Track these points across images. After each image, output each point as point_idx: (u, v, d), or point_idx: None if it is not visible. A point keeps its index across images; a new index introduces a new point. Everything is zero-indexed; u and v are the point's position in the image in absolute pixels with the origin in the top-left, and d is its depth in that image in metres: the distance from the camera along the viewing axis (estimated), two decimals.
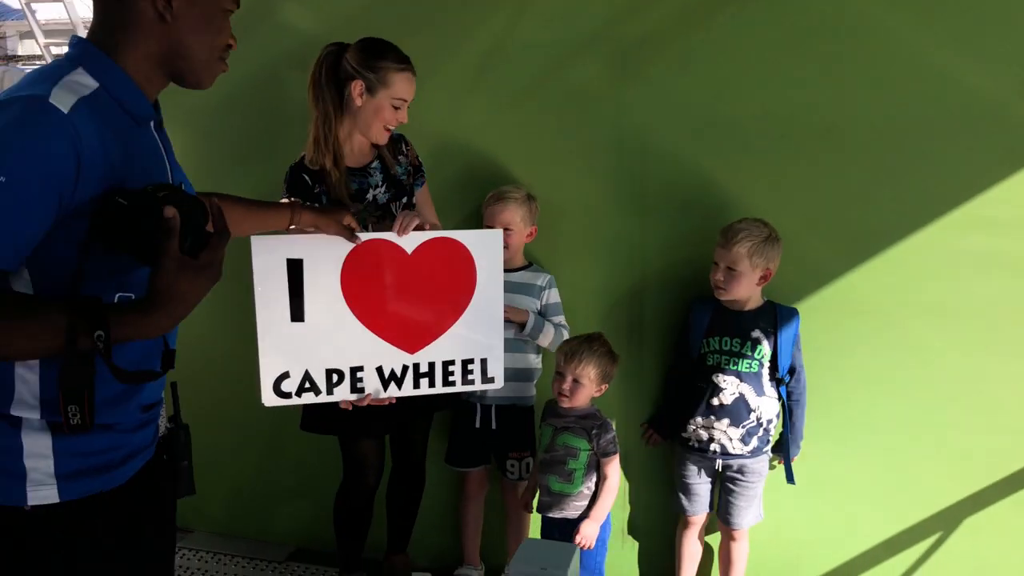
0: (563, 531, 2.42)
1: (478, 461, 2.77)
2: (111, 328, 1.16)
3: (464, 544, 2.86)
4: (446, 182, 2.71)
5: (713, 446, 2.51)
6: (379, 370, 2.14)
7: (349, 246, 2.08)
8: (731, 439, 2.49)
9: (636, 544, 2.84)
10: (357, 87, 2.24)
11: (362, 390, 2.13)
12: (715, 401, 2.49)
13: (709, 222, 2.54)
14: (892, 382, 2.55)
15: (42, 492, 1.26)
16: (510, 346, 2.58)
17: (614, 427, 2.45)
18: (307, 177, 2.31)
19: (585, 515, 2.41)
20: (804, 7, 2.47)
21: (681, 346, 2.62)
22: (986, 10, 2.34)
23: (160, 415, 1.47)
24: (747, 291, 2.47)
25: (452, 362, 2.19)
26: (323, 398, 2.12)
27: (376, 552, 2.82)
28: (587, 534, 2.37)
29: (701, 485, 2.58)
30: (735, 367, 2.47)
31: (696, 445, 2.54)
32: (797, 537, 2.68)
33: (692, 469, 2.58)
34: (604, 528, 2.45)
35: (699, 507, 2.60)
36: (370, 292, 2.12)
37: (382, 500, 2.75)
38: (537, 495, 2.52)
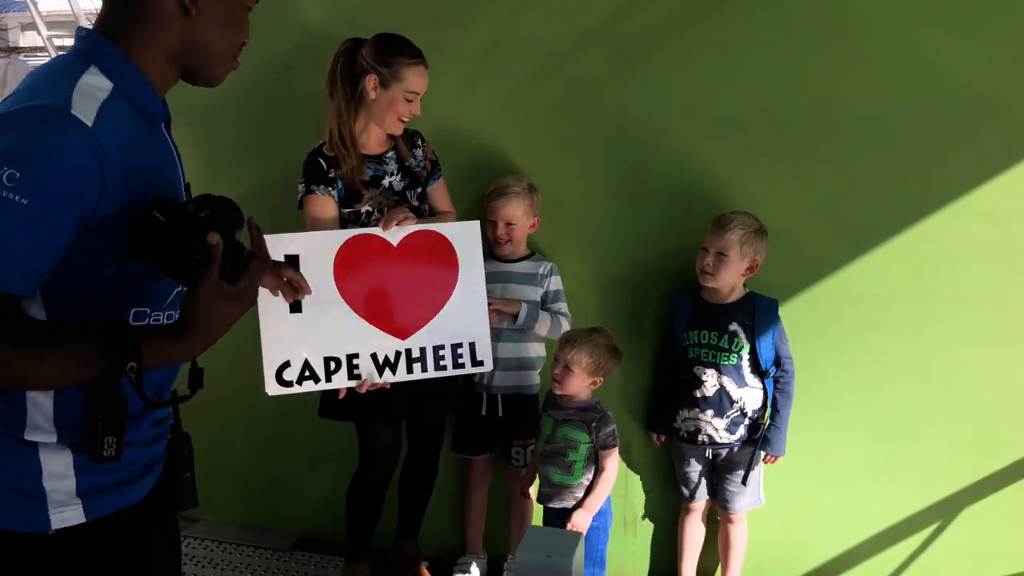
0: (563, 521, 2.44)
1: (483, 449, 2.80)
2: (143, 356, 1.11)
3: (467, 532, 2.89)
4: (449, 173, 2.71)
5: (701, 436, 2.54)
6: (373, 356, 2.26)
7: (341, 241, 2.24)
8: (717, 429, 2.52)
9: (638, 532, 2.86)
10: (371, 81, 2.34)
11: (359, 376, 2.24)
12: (698, 393, 2.51)
13: (710, 214, 2.55)
14: (892, 373, 2.56)
15: (66, 513, 1.19)
16: (509, 336, 2.63)
17: (614, 419, 2.46)
18: (323, 162, 2.40)
19: (579, 504, 2.43)
20: (805, 1, 2.48)
21: (668, 337, 2.65)
22: (986, 1, 2.35)
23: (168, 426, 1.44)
24: (733, 279, 2.49)
25: (442, 347, 2.31)
26: (322, 385, 2.22)
27: (381, 541, 2.83)
28: (578, 523, 2.39)
29: (696, 473, 2.60)
30: (714, 360, 2.50)
31: (686, 436, 2.57)
32: (798, 526, 2.70)
33: (686, 458, 2.60)
34: (605, 516, 2.47)
35: (697, 494, 2.62)
36: (361, 283, 2.26)
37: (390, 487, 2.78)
38: (537, 485, 2.54)
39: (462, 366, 2.33)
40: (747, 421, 2.52)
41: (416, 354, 2.29)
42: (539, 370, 2.74)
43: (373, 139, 2.45)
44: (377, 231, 2.30)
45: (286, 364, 2.18)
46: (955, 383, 2.52)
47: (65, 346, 1.09)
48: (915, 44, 2.42)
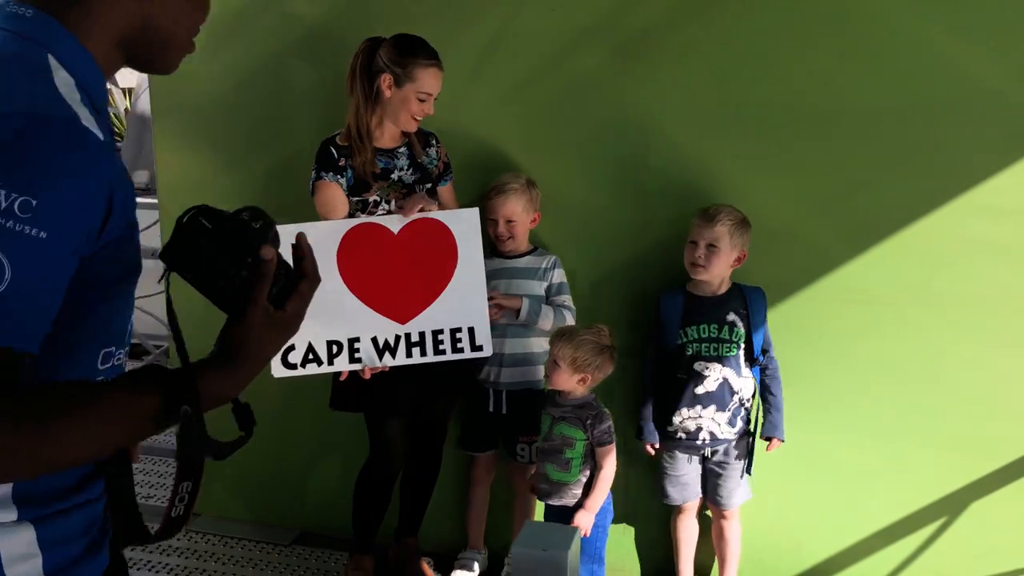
0: (563, 518, 2.44)
1: (489, 445, 2.81)
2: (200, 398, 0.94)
3: (469, 528, 2.89)
4: (450, 170, 2.72)
5: (702, 435, 2.53)
6: (374, 340, 2.33)
7: (344, 229, 2.32)
8: (719, 424, 2.52)
9: (636, 529, 2.86)
10: (386, 80, 2.43)
11: (359, 360, 2.31)
12: (700, 390, 2.50)
13: None
14: (894, 370, 2.56)
15: None
16: (514, 332, 2.64)
17: (612, 417, 2.46)
18: (334, 151, 2.49)
19: (580, 504, 2.43)
20: None
21: (656, 340, 2.62)
22: None
23: None
24: (724, 271, 2.50)
25: (441, 331, 2.37)
26: (325, 368, 2.31)
27: (382, 538, 2.84)
28: (581, 524, 2.39)
29: (690, 475, 2.60)
30: (715, 352, 2.50)
31: (684, 436, 2.55)
32: (799, 523, 2.70)
33: (680, 460, 2.59)
34: (605, 514, 2.47)
35: (690, 494, 2.62)
36: (363, 269, 2.35)
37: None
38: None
39: (461, 351, 2.37)
40: (743, 412, 2.53)
41: (415, 338, 2.35)
42: (544, 365, 2.74)
43: (387, 134, 2.53)
44: (379, 220, 2.39)
45: (291, 347, 2.27)
46: (956, 380, 2.52)
47: (111, 403, 0.89)
48: (917, 40, 2.41)
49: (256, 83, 2.98)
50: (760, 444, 2.58)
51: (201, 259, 0.96)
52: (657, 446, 2.62)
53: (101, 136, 0.92)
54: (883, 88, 2.45)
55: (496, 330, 2.63)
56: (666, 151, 2.64)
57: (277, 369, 2.25)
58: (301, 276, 1.03)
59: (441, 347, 2.35)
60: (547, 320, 2.63)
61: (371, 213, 2.49)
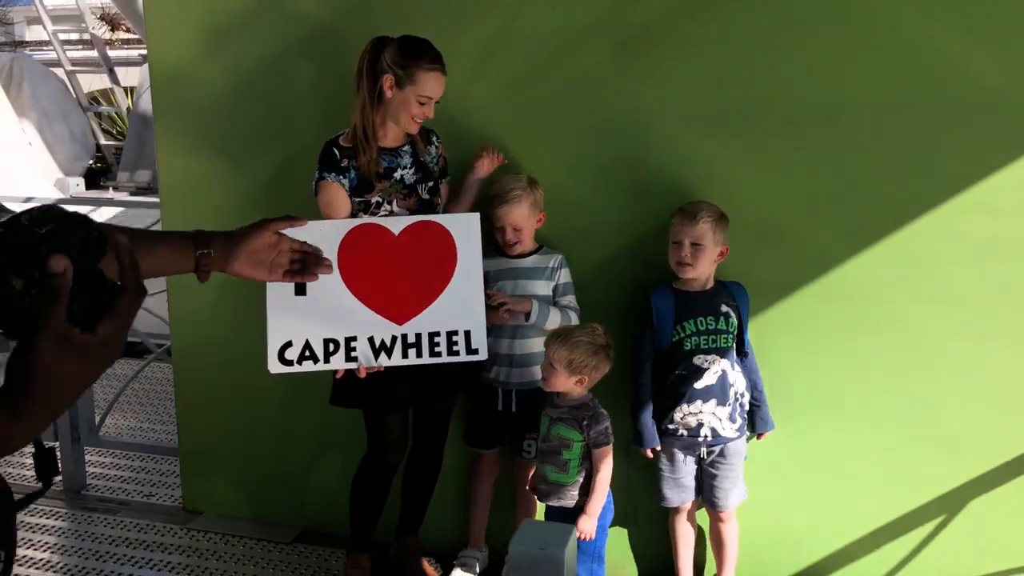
0: (562, 519, 2.44)
1: (495, 443, 2.82)
2: None
3: (470, 526, 2.90)
4: (450, 168, 2.73)
5: (704, 431, 2.53)
6: (370, 340, 2.33)
7: (347, 229, 2.32)
8: (720, 419, 2.52)
9: (636, 529, 2.87)
10: (388, 81, 2.44)
11: (355, 359, 2.32)
12: (699, 384, 2.51)
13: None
14: (893, 368, 2.56)
15: None
16: (523, 332, 2.65)
17: (608, 418, 2.45)
18: (337, 152, 2.51)
19: (581, 508, 2.43)
20: None
21: (648, 339, 2.61)
22: None
23: None
24: (710, 267, 2.52)
25: (437, 333, 2.36)
26: (321, 366, 2.31)
27: (381, 536, 2.85)
28: (584, 529, 2.40)
29: (687, 477, 2.60)
30: (714, 344, 2.52)
31: (685, 433, 2.56)
32: (797, 522, 2.71)
33: (678, 459, 2.59)
34: (605, 513, 2.48)
35: (687, 495, 2.63)
36: (363, 269, 2.34)
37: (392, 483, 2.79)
38: None
39: (456, 353, 2.37)
40: (739, 407, 2.54)
41: (412, 339, 2.35)
42: None
43: (391, 134, 2.55)
44: (380, 221, 2.39)
45: (288, 344, 2.28)
46: (955, 378, 2.52)
47: None
48: (916, 37, 2.41)
49: (258, 82, 2.99)
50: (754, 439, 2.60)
51: None
52: (658, 449, 2.61)
53: None
54: (883, 86, 2.45)
55: (505, 331, 2.65)
56: (666, 148, 2.64)
57: (273, 365, 2.27)
58: (120, 290, 0.86)
59: (437, 349, 2.36)
60: (554, 322, 2.64)
61: (373, 214, 2.51)
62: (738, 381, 2.55)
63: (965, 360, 2.51)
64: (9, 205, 6.89)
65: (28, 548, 3.09)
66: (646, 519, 2.84)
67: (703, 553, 2.77)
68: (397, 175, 2.55)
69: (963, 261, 2.47)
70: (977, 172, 2.41)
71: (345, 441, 2.99)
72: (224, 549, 3.08)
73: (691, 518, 2.71)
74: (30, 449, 0.92)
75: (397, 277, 2.39)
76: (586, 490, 2.44)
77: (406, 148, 2.58)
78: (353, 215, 2.52)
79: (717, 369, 2.51)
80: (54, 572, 2.94)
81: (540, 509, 2.73)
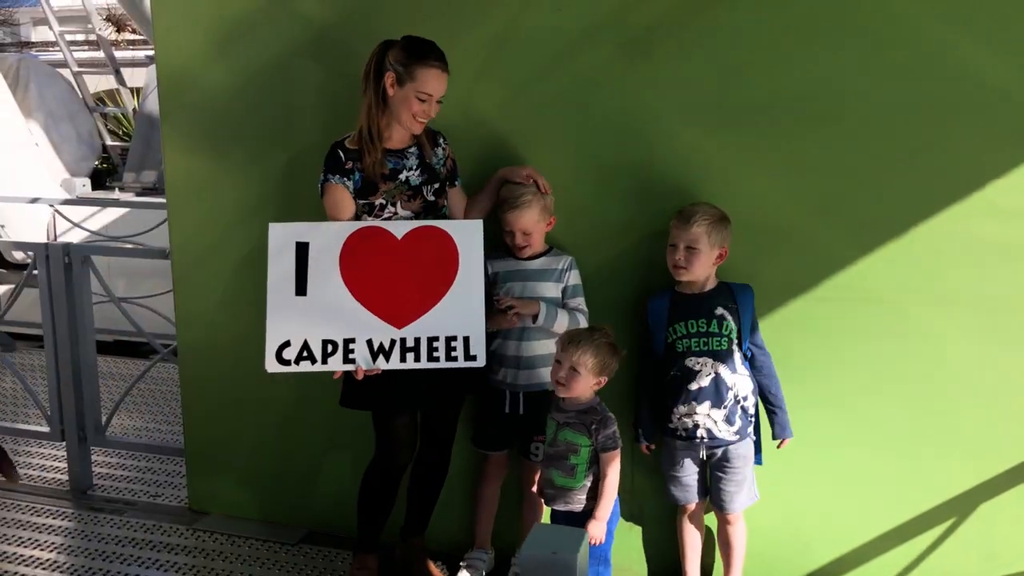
0: (569, 523, 2.43)
1: (503, 445, 2.81)
2: None
3: (477, 527, 2.89)
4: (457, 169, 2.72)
5: (700, 432, 2.53)
6: (369, 343, 2.35)
7: (349, 231, 2.36)
8: (715, 421, 2.51)
9: (642, 531, 2.86)
10: (389, 79, 2.47)
11: (353, 360, 2.33)
12: (693, 386, 2.51)
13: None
14: (901, 370, 2.55)
15: None
16: (530, 335, 2.64)
17: (616, 422, 2.44)
18: (342, 154, 2.53)
19: (588, 513, 2.42)
20: None
21: (644, 342, 2.63)
22: None
23: None
24: (707, 270, 2.51)
25: (436, 338, 2.39)
26: (318, 367, 2.33)
27: (387, 537, 2.84)
28: (595, 534, 2.40)
29: (690, 476, 2.60)
30: (706, 347, 2.51)
31: (683, 434, 2.56)
32: (806, 524, 2.70)
33: (681, 459, 2.59)
34: (612, 517, 2.47)
35: (691, 495, 2.62)
36: (364, 272, 2.38)
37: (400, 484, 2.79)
38: None
39: (455, 359, 2.38)
40: (740, 411, 2.53)
41: (410, 344, 2.36)
42: None
43: (397, 135, 2.56)
44: (384, 224, 2.40)
45: (286, 344, 2.30)
46: (964, 381, 2.51)
47: None
48: (926, 38, 2.40)
49: (264, 83, 2.99)
50: (771, 442, 2.59)
51: None
52: (653, 446, 2.65)
53: None
54: (889, 86, 2.44)
55: (513, 333, 2.64)
56: (670, 149, 2.64)
57: (270, 364, 2.28)
58: None
59: (435, 354, 2.37)
60: (562, 325, 2.63)
61: (377, 216, 2.51)
62: (738, 384, 2.52)
63: (975, 362, 2.49)
64: (16, 205, 6.92)
65: (34, 548, 3.10)
66: (653, 521, 2.83)
67: (711, 555, 2.76)
68: (402, 176, 2.55)
69: (972, 263, 2.45)
70: (986, 174, 2.40)
71: (352, 442, 2.99)
72: (230, 550, 3.08)
73: (699, 520, 2.70)
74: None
75: (399, 281, 2.40)
76: (593, 494, 2.43)
77: (412, 150, 2.58)
78: (357, 217, 2.53)
79: (710, 371, 2.50)
80: (60, 572, 2.94)
81: (546, 511, 2.72)
